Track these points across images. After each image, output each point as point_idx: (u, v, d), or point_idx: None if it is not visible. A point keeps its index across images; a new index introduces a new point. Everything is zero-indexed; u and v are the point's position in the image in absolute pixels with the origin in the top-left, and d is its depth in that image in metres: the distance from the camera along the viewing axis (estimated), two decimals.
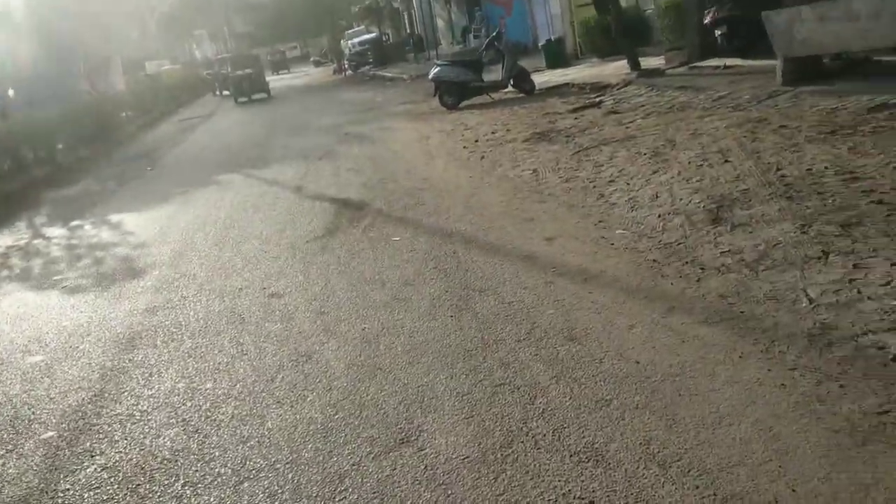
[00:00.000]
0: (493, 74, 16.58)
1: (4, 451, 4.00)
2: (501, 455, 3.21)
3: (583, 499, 2.86)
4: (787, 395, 3.30)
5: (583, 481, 2.96)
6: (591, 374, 3.78)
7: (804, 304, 4.08)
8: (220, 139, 18.42)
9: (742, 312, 4.16)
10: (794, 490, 2.70)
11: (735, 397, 3.36)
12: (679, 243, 5.41)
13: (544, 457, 3.15)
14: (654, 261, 5.18)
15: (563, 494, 2.89)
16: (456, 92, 16.00)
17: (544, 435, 3.31)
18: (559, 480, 2.98)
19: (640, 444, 3.13)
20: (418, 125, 14.63)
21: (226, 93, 33.79)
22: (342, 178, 10.29)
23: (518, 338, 4.34)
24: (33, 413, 4.40)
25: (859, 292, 4.06)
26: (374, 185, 9.44)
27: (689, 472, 2.90)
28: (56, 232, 10.08)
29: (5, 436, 4.17)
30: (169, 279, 6.72)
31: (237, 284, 6.23)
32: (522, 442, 3.29)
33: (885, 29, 8.87)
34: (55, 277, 7.54)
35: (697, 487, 2.81)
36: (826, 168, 6.24)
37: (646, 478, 2.91)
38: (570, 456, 3.13)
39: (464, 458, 3.23)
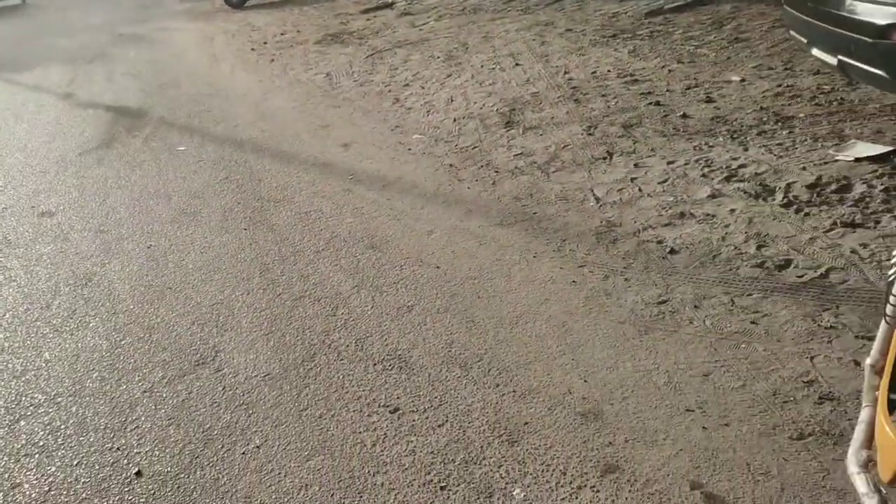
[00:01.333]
0: None
1: None
2: (304, 370, 3.13)
3: (387, 406, 2.85)
4: (577, 291, 3.45)
5: (387, 389, 2.95)
6: (392, 282, 3.76)
7: (591, 203, 4.26)
8: None
9: (535, 213, 4.28)
10: (585, 381, 2.84)
11: (530, 296, 3.47)
12: (474, 147, 5.46)
13: (347, 367, 3.11)
14: (451, 165, 5.21)
15: (368, 404, 2.87)
16: None
17: (347, 346, 3.26)
18: (363, 390, 2.96)
19: (442, 347, 3.17)
20: (201, 25, 13.67)
21: None
22: (117, 84, 9.43)
23: (317, 248, 4.22)
24: None
25: (640, 190, 4.30)
26: (154, 92, 8.74)
27: (489, 371, 2.97)
28: None
29: None
30: None
31: (0, 203, 5.57)
32: (325, 354, 3.22)
33: None
34: None
35: (497, 385, 2.88)
36: (609, 71, 6.51)
37: (448, 380, 2.95)
38: (374, 365, 3.11)
39: (264, 376, 3.12)
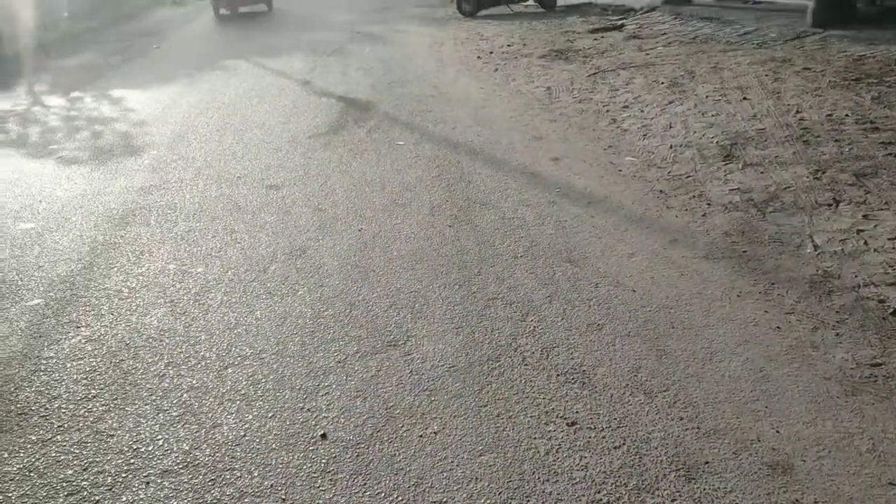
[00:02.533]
0: None
1: None
2: (488, 368, 3.19)
3: (565, 418, 2.84)
4: (781, 338, 3.26)
5: (567, 401, 2.94)
6: (585, 298, 3.74)
7: (809, 250, 4.01)
8: (231, 23, 17.94)
9: (745, 252, 4.09)
10: (777, 431, 2.68)
11: (728, 335, 3.32)
12: (688, 176, 5.30)
13: (531, 374, 3.13)
14: (661, 191, 5.09)
15: (546, 412, 2.88)
16: (475, 0, 15.52)
17: (533, 353, 3.29)
18: (543, 398, 2.97)
19: (629, 371, 3.11)
20: (433, 30, 14.24)
21: None
22: (350, 77, 10.04)
23: (515, 254, 4.28)
24: (21, 279, 4.35)
25: (866, 244, 3.99)
26: (383, 88, 9.22)
27: (674, 403, 2.88)
28: (56, 101, 9.86)
29: None
30: (167, 160, 6.60)
31: (236, 172, 6.12)
32: (510, 357, 3.26)
33: None
34: (52, 147, 7.40)
35: (681, 419, 2.79)
36: (847, 115, 6.09)
37: (630, 404, 2.90)
38: (557, 376, 3.11)
39: (450, 367, 3.21)
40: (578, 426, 2.80)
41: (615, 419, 2.82)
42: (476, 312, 3.67)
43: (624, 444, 2.69)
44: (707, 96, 7.30)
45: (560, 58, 10.31)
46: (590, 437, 2.73)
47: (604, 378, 3.07)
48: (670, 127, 6.48)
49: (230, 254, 4.54)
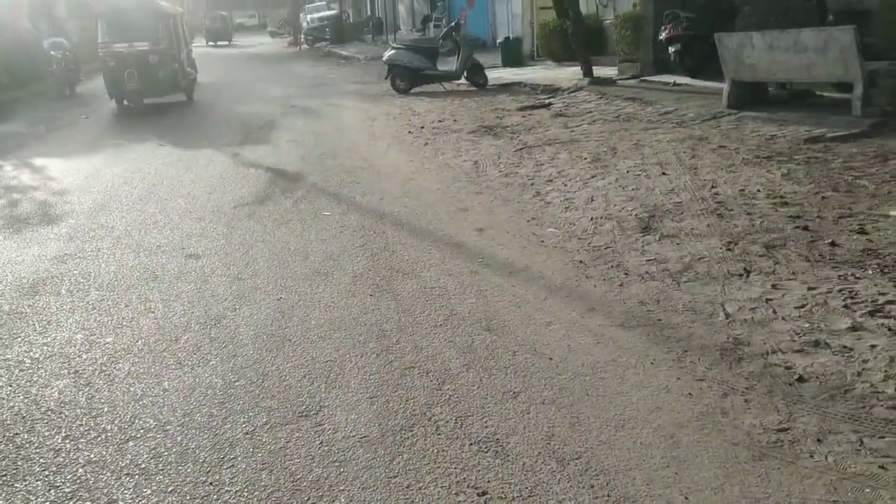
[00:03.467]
0: (448, 65, 16.50)
1: None
2: (401, 437, 3.13)
3: (476, 488, 2.79)
4: (692, 404, 3.29)
5: (479, 471, 2.89)
6: (502, 366, 3.73)
7: (720, 318, 4.10)
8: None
9: (659, 320, 4.16)
10: (686, 497, 2.68)
11: (641, 402, 3.34)
12: (607, 247, 5.40)
13: (444, 443, 3.08)
14: (581, 262, 5.16)
15: (458, 482, 2.82)
16: (408, 77, 15.85)
17: (447, 421, 3.24)
18: (455, 468, 2.91)
19: (542, 438, 3.08)
20: (367, 105, 14.45)
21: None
22: (281, 149, 10.07)
23: (435, 323, 4.26)
24: None
25: (774, 312, 4.10)
26: (313, 160, 9.26)
27: (586, 471, 2.86)
28: None
29: None
30: (85, 229, 6.45)
31: (156, 241, 6.01)
32: (424, 426, 3.21)
33: (829, 65, 9.06)
34: None
35: (592, 487, 2.77)
36: (758, 191, 6.33)
37: (542, 472, 2.86)
38: (470, 445, 3.06)
39: (361, 438, 3.14)
40: (489, 496, 2.74)
41: (526, 488, 2.77)
42: (392, 381, 3.61)
43: None
44: (628, 171, 7.52)
45: (489, 133, 10.54)
46: None
47: (517, 446, 3.03)
48: (592, 200, 6.63)
49: (142, 323, 4.41)
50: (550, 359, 3.78)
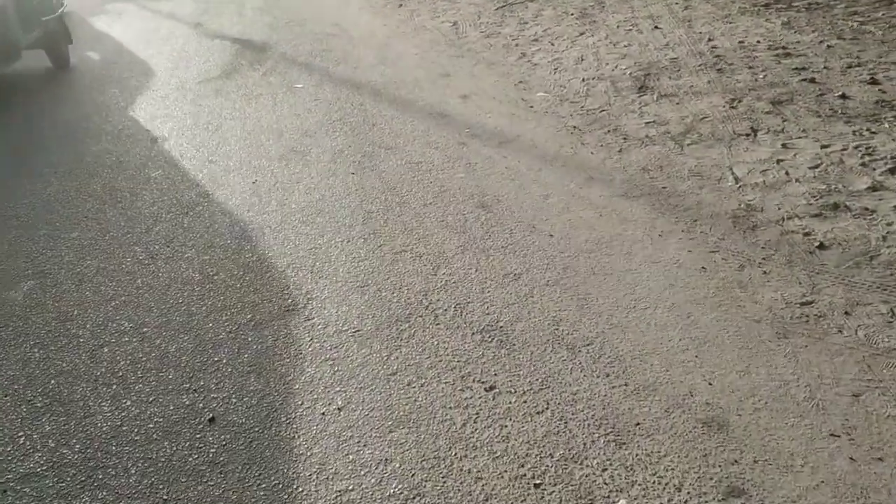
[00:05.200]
0: None
1: None
2: (397, 330, 2.90)
3: (483, 382, 2.59)
4: (707, 279, 3.07)
5: (484, 363, 2.68)
6: (500, 246, 3.47)
7: (729, 183, 3.83)
8: None
9: (664, 188, 3.89)
10: (710, 383, 2.49)
11: (652, 279, 3.11)
12: (602, 110, 5.06)
13: (444, 334, 2.86)
14: (575, 127, 4.84)
15: (462, 377, 2.62)
16: None
17: (445, 310, 3.01)
18: (458, 361, 2.70)
19: (549, 324, 2.87)
20: None
21: None
22: (246, 17, 9.39)
23: (424, 201, 3.97)
24: None
25: (787, 174, 3.83)
26: (280, 27, 8.64)
27: (599, 358, 2.66)
28: None
29: None
30: (42, 112, 5.97)
31: (118, 125, 5.57)
32: (421, 316, 2.98)
33: None
34: None
35: (608, 376, 2.57)
36: (758, 42, 5.93)
37: (552, 362, 2.66)
38: (472, 334, 2.84)
39: (355, 332, 2.91)
40: (497, 390, 2.54)
41: (537, 380, 2.57)
42: (383, 268, 3.36)
43: (547, 408, 2.45)
44: (618, 26, 7.06)
45: None
46: (510, 403, 2.48)
47: (522, 334, 2.82)
48: (582, 60, 6.22)
49: (109, 215, 4.08)
50: (551, 235, 3.53)
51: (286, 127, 5.26)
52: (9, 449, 2.43)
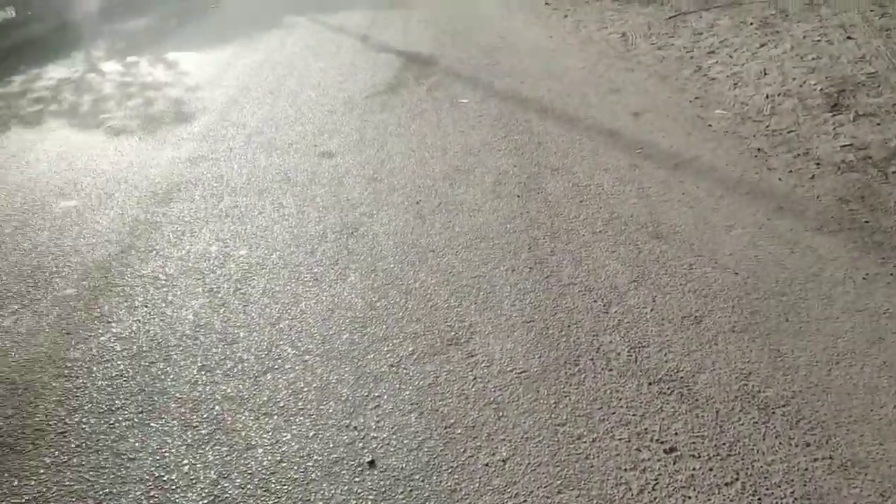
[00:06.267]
0: None
1: (20, 305, 3.66)
2: (566, 374, 2.71)
3: (661, 442, 2.35)
4: None
5: (662, 419, 2.44)
6: (678, 283, 3.20)
7: None
8: None
9: (867, 222, 3.48)
10: None
11: (857, 330, 2.75)
12: (790, 131, 4.64)
13: (616, 381, 2.64)
14: (759, 149, 4.46)
15: (638, 434, 2.39)
16: None
17: (618, 353, 2.78)
18: (633, 414, 2.47)
19: (736, 378, 2.58)
20: None
21: None
22: (412, 30, 9.48)
23: (593, 229, 3.75)
24: (56, 265, 4.04)
25: None
26: (446, 40, 8.64)
27: (797, 422, 2.36)
28: (111, 67, 9.59)
29: (24, 288, 3.84)
30: (218, 127, 6.22)
31: (287, 139, 5.70)
32: (592, 359, 2.77)
33: None
34: (103, 115, 7.11)
35: (808, 445, 2.27)
36: None
37: (742, 424, 2.38)
38: (649, 384, 2.60)
39: (520, 373, 2.74)
40: (678, 453, 2.30)
41: (724, 444, 2.31)
42: (550, 303, 3.17)
43: (737, 479, 2.18)
44: (804, 37, 6.52)
45: (635, 0, 9.53)
46: (693, 470, 2.23)
47: (706, 388, 2.55)
48: (764, 73, 5.77)
49: (276, 232, 4.13)
50: (735, 273, 3.22)
51: (450, 144, 5.18)
52: (174, 476, 2.44)
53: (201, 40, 10.55)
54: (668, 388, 2.57)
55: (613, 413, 2.49)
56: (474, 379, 2.73)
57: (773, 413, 2.40)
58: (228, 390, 2.83)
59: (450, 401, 2.63)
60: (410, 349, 2.95)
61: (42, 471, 2.53)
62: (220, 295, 3.54)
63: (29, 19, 12.12)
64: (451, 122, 5.64)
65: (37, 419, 2.79)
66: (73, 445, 2.63)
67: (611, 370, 2.70)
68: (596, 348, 2.83)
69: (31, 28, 12.47)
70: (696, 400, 2.50)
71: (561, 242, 3.66)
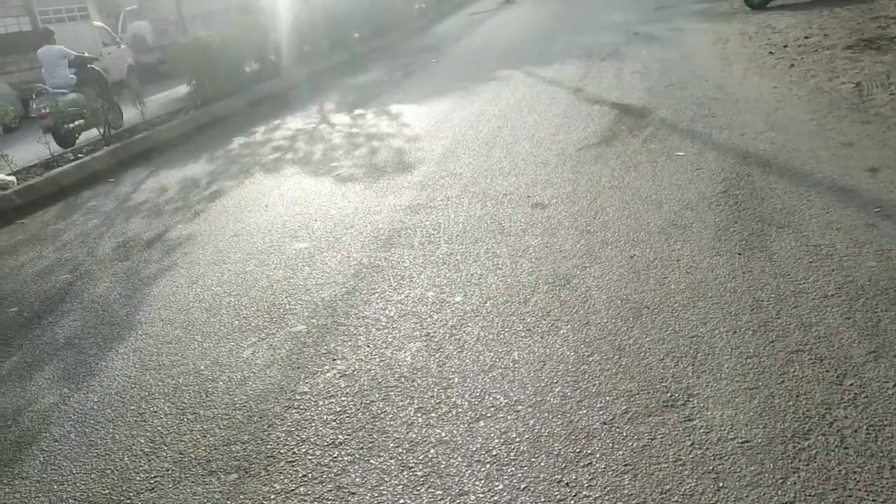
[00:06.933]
0: None
1: (258, 338, 4.00)
2: (794, 448, 2.53)
3: None
4: None
5: None
6: None
7: None
8: (505, 34, 18.01)
9: None
10: None
11: None
12: None
13: (853, 461, 2.43)
14: None
15: None
16: None
17: (855, 431, 2.57)
18: (873, 500, 2.27)
19: None
20: (716, 26, 13.12)
21: None
22: (625, 82, 9.44)
23: (825, 293, 3.51)
24: (289, 303, 4.38)
25: None
26: (660, 92, 8.51)
27: None
28: (340, 119, 10.35)
29: (261, 322, 4.19)
30: (435, 177, 6.51)
31: (502, 189, 5.84)
32: (823, 435, 2.58)
33: None
34: (332, 164, 7.67)
35: None
36: None
37: None
38: (892, 468, 2.38)
39: (742, 442, 2.60)
40: None
41: None
42: (775, 368, 2.99)
43: None
44: None
45: (871, 47, 8.90)
46: None
47: None
48: None
49: (490, 281, 4.23)
50: None
51: (665, 198, 5.07)
52: None
53: (422, 93, 11.14)
54: None
55: (850, 496, 2.29)
56: (692, 444, 2.63)
57: None
58: (443, 434, 2.91)
59: (665, 465, 2.55)
60: (623, 408, 2.90)
61: (273, 497, 2.72)
62: (436, 339, 3.67)
63: (270, 74, 13.37)
64: (666, 176, 5.53)
65: (269, 446, 3.02)
66: (300, 475, 2.81)
67: (846, 448, 2.49)
68: (829, 423, 2.63)
69: (273, 83, 13.75)
70: None
71: (787, 305, 3.45)
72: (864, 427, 2.58)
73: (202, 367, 3.77)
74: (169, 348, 4.06)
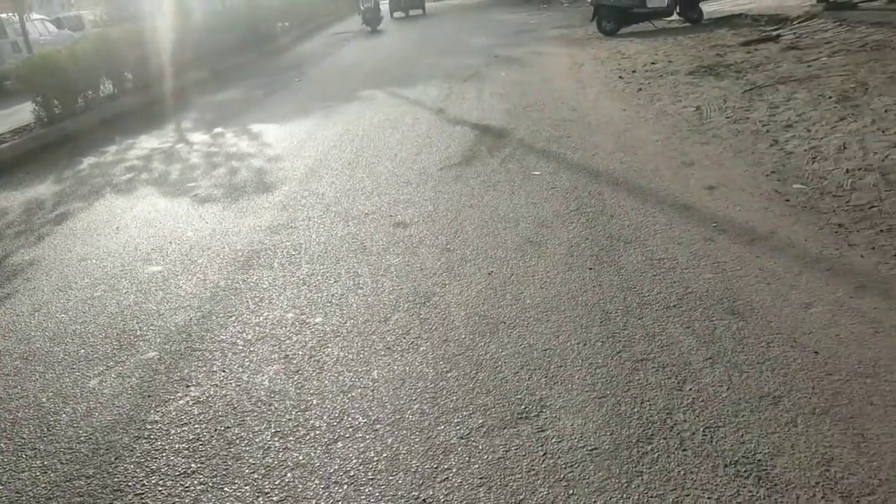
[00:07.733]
0: (658, 1, 15.29)
1: (105, 367, 3.81)
2: (638, 452, 2.66)
3: None
4: None
5: (740, 503, 2.36)
6: (755, 361, 3.13)
7: None
8: (370, 55, 18.10)
9: None
10: None
11: None
12: (872, 206, 4.54)
13: (691, 462, 2.58)
14: (840, 225, 4.37)
15: None
16: (615, 17, 14.90)
17: (693, 433, 2.72)
18: (709, 497, 2.41)
19: (818, 463, 2.49)
20: (572, 51, 13.71)
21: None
22: (485, 103, 9.69)
23: (667, 304, 3.71)
24: (140, 329, 4.20)
25: None
26: (519, 113, 8.79)
27: None
28: (199, 138, 10.05)
29: (110, 350, 3.99)
30: (297, 197, 6.44)
31: (364, 209, 5.85)
32: (665, 438, 2.72)
33: None
34: (189, 184, 7.44)
35: None
36: None
37: None
38: (725, 466, 2.53)
39: (591, 450, 2.70)
40: None
41: None
42: (622, 377, 3.13)
43: None
44: (886, 111, 6.42)
45: (710, 74, 9.55)
46: None
47: (785, 473, 2.47)
48: (844, 148, 5.68)
49: (351, 301, 4.22)
50: (815, 353, 3.13)
51: (522, 216, 5.23)
52: None
53: (284, 112, 11.00)
54: (746, 471, 2.49)
55: (688, 496, 2.42)
56: (544, 454, 2.71)
57: (858, 502, 2.31)
58: (300, 457, 2.87)
59: (519, 476, 2.61)
60: (480, 422, 2.95)
61: None
62: (294, 361, 3.62)
63: (124, 92, 12.83)
64: (523, 194, 5.70)
65: (116, 479, 2.88)
66: None
67: (685, 450, 2.64)
68: (669, 427, 2.77)
69: (129, 100, 13.19)
70: (775, 485, 2.42)
71: (633, 317, 3.63)
72: (701, 429, 2.74)
73: (43, 400, 3.55)
74: (6, 381, 3.80)
